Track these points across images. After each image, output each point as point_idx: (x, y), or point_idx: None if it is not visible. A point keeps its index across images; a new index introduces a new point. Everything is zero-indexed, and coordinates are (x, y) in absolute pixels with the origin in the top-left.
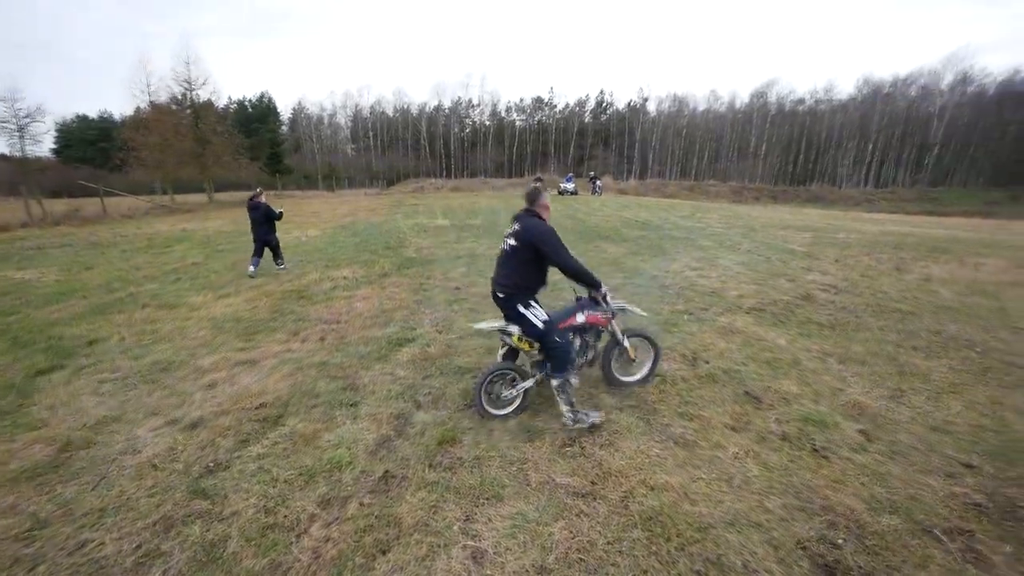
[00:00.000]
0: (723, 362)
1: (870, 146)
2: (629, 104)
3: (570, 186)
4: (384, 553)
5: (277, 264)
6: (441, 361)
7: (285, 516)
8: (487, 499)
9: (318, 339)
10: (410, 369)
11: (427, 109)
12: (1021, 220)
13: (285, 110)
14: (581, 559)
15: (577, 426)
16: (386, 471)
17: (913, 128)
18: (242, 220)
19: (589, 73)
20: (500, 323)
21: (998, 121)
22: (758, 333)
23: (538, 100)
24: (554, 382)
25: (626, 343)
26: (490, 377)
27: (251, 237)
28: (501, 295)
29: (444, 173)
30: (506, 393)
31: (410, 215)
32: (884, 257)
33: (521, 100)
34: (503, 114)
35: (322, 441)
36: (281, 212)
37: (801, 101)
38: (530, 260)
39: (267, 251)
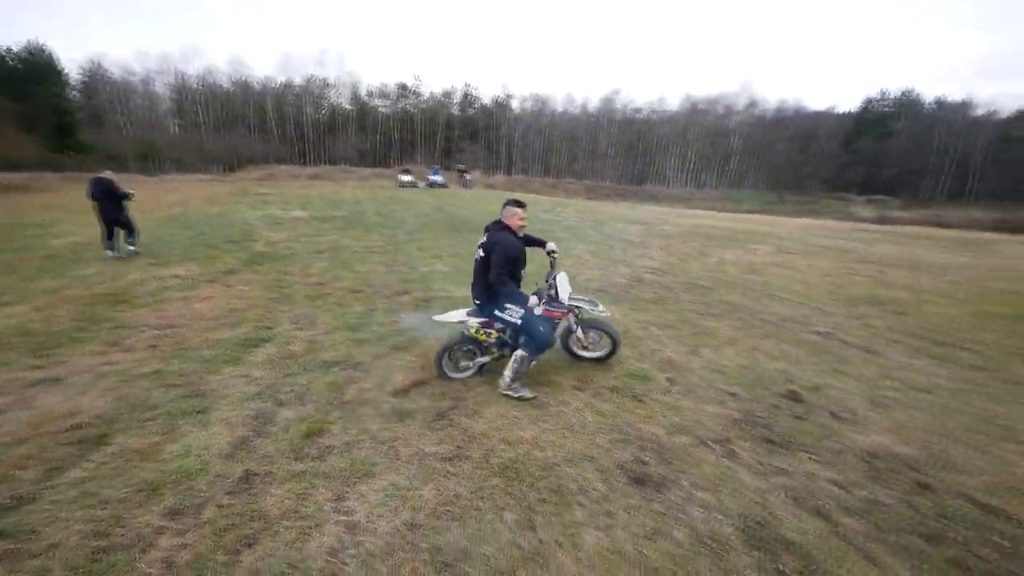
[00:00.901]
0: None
1: (690, 153)
2: (494, 100)
3: (438, 178)
4: (250, 546)
5: (129, 245)
6: (305, 358)
7: (123, 535)
8: (359, 477)
9: (148, 347)
10: (268, 369)
11: (274, 85)
12: (785, 216)
13: (73, 70)
14: (448, 510)
15: (508, 392)
16: (247, 471)
17: (719, 140)
18: (10, 208)
19: (455, 65)
20: (459, 316)
21: (772, 139)
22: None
23: (403, 87)
24: (519, 353)
25: (579, 333)
26: (455, 345)
27: (98, 221)
28: (477, 302)
29: (300, 159)
30: (464, 363)
31: (259, 206)
32: (695, 245)
33: (384, 85)
34: (365, 99)
35: (164, 454)
36: (131, 193)
37: (639, 110)
38: None
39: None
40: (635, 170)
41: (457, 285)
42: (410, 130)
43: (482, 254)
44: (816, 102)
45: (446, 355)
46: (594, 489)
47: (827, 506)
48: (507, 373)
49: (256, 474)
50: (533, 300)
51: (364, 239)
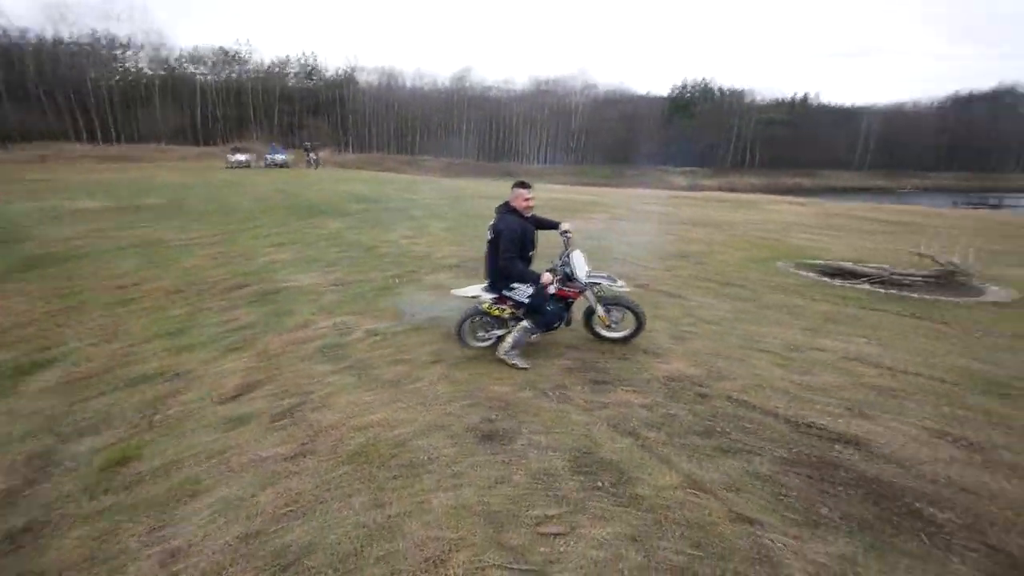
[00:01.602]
0: (429, 312)
1: (539, 131)
2: (338, 72)
3: (279, 157)
4: None
5: None
6: (105, 377)
7: None
8: (181, 500)
9: None
10: (51, 398)
11: (41, 39)
12: (620, 188)
13: None
14: (291, 510)
15: (504, 358)
16: (16, 527)
17: (563, 119)
18: None
19: (289, 32)
20: (475, 291)
21: (606, 118)
22: (457, 285)
23: (225, 52)
24: (524, 323)
25: (600, 311)
26: (473, 316)
27: None
28: (488, 280)
29: (89, 137)
30: (481, 333)
31: (31, 196)
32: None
33: (196, 48)
34: (175, 64)
35: None
36: None
37: (490, 88)
38: None
39: None
40: (491, 147)
41: (305, 273)
42: (240, 103)
43: (490, 236)
44: (640, 86)
45: (467, 324)
46: (444, 455)
47: (636, 426)
48: (508, 339)
49: (32, 528)
50: (547, 277)
51: (186, 230)
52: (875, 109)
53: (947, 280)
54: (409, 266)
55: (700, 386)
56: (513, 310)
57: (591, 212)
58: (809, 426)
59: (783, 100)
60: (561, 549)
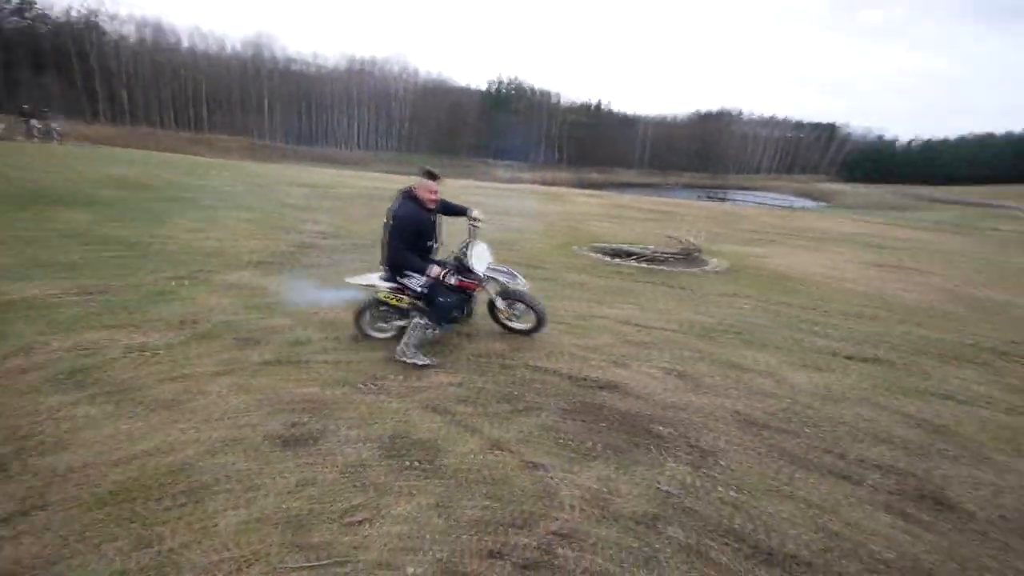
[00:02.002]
0: (219, 317)
1: (359, 115)
2: (75, 15)
3: None
4: None
5: None
6: None
7: None
8: None
9: None
10: None
11: None
12: (448, 179)
13: None
14: None
15: (402, 359)
16: None
17: (383, 103)
18: None
19: None
20: (371, 279)
21: (430, 106)
22: (256, 283)
23: None
24: (416, 320)
25: (500, 304)
26: (370, 306)
27: None
28: (385, 267)
29: None
30: (380, 324)
31: None
32: (366, 207)
33: None
34: None
35: None
36: None
37: (295, 61)
38: None
39: None
40: (304, 129)
41: (27, 281)
42: None
43: (386, 221)
44: (460, 78)
45: (367, 314)
46: (237, 471)
47: (448, 404)
48: (404, 339)
49: None
50: (435, 269)
51: None
52: (648, 118)
53: (687, 256)
54: (195, 265)
55: (504, 359)
56: (412, 300)
57: None
58: (585, 379)
59: (583, 105)
60: (366, 534)
